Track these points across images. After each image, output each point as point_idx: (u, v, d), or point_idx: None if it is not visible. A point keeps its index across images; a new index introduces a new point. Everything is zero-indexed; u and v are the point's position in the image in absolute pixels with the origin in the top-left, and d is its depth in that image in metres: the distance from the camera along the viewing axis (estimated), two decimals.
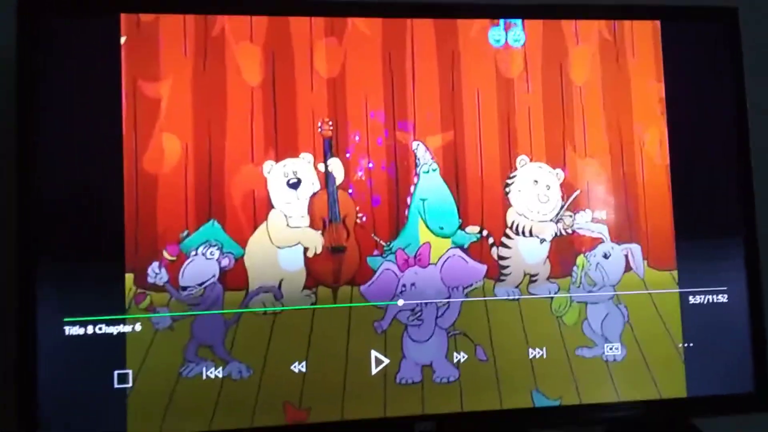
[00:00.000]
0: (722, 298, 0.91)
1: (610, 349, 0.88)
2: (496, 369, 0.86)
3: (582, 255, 0.89)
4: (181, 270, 0.81)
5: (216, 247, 0.81)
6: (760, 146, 0.95)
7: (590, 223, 0.90)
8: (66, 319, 0.78)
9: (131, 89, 0.82)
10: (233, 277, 0.82)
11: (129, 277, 0.80)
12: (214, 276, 0.81)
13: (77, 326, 0.78)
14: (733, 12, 0.95)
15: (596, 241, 0.90)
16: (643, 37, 0.93)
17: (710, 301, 0.91)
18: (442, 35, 0.89)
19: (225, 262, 0.81)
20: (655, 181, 0.91)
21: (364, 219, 0.85)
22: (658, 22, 0.93)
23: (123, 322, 0.79)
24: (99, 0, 0.84)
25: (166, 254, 0.81)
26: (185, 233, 0.81)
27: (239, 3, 0.86)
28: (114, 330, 0.79)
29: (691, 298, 0.90)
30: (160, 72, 0.83)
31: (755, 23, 0.99)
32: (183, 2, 0.85)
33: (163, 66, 0.83)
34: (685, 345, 0.90)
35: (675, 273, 0.91)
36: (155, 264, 0.80)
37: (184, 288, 0.81)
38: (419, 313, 0.85)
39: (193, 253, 0.81)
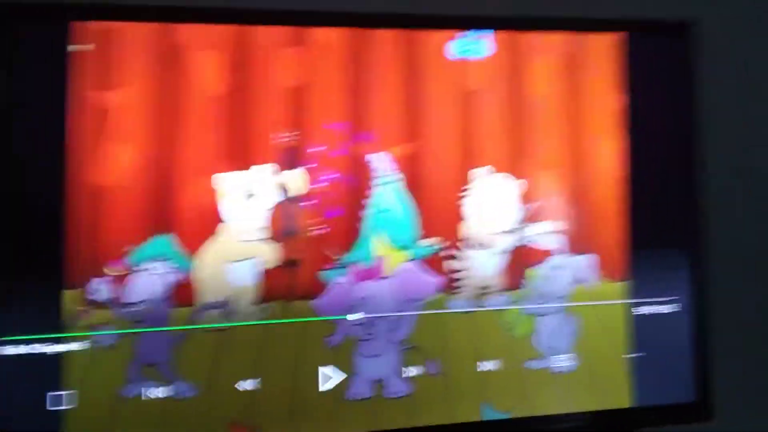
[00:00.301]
0: (670, 309, 0.93)
1: (560, 360, 0.89)
2: (447, 383, 0.86)
3: (533, 267, 0.90)
4: (126, 285, 0.78)
5: (163, 262, 0.78)
6: (714, 158, 0.97)
7: (544, 234, 0.90)
8: None
9: (80, 98, 0.78)
10: (181, 292, 0.79)
11: (70, 294, 0.76)
12: (160, 292, 0.78)
13: (11, 345, 0.75)
14: (687, 26, 0.96)
15: (548, 253, 0.90)
16: (602, 50, 0.93)
17: (658, 311, 0.92)
18: (404, 46, 0.87)
19: (172, 277, 0.78)
20: (609, 193, 0.92)
21: (320, 232, 0.83)
22: (617, 36, 0.94)
23: (61, 340, 0.76)
24: (49, 7, 0.79)
25: (109, 269, 0.77)
26: (131, 247, 0.78)
27: (200, 11, 0.82)
28: (51, 349, 0.76)
29: (640, 308, 0.92)
30: (111, 81, 0.79)
31: (711, 36, 1.00)
32: (139, 10, 0.81)
33: (114, 75, 0.79)
34: (633, 355, 0.91)
35: (625, 284, 0.92)
36: (97, 280, 0.77)
37: (129, 304, 0.77)
38: (372, 328, 0.84)
39: (139, 267, 0.78)
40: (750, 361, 1.01)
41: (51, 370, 0.76)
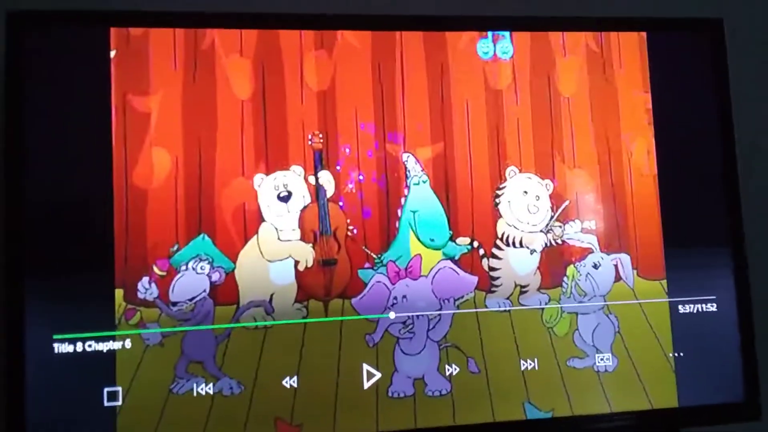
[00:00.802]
0: (711, 308, 0.91)
1: (602, 359, 0.88)
2: (488, 381, 0.85)
3: (572, 265, 0.89)
4: (172, 285, 0.80)
5: (206, 262, 0.81)
6: (747, 155, 0.96)
7: (580, 233, 0.90)
8: (55, 336, 0.77)
9: (121, 103, 0.82)
10: (224, 291, 0.81)
11: (119, 293, 0.79)
12: (204, 291, 0.80)
13: (66, 343, 0.77)
14: (718, 23, 0.96)
15: (586, 251, 0.90)
16: (629, 49, 0.94)
17: (699, 310, 0.91)
18: (430, 47, 0.89)
19: (215, 276, 0.81)
20: (643, 191, 0.92)
21: (354, 231, 0.84)
22: (644, 34, 0.94)
23: (113, 338, 0.78)
24: (88, 14, 0.83)
25: (156, 269, 0.80)
26: (175, 248, 0.80)
27: (229, 17, 0.85)
28: (104, 347, 0.78)
29: (680, 307, 0.91)
30: (149, 86, 0.82)
31: (740, 33, 1.01)
32: (172, 16, 0.84)
33: (152, 80, 0.82)
34: (676, 355, 0.90)
35: (664, 282, 0.91)
36: (145, 279, 0.79)
37: (175, 303, 0.80)
38: (411, 326, 0.85)
39: (184, 267, 0.80)
40: None
41: (105, 367, 0.78)
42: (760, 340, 0.92)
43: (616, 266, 0.91)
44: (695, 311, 0.91)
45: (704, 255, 0.92)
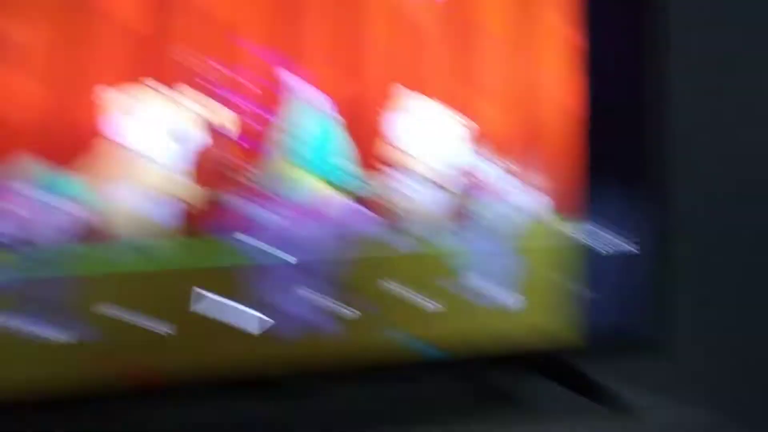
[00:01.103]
0: (627, 246, 0.91)
1: (507, 297, 0.87)
2: (383, 320, 0.83)
3: (484, 202, 0.87)
4: (25, 221, 0.71)
5: (66, 196, 0.72)
6: (675, 93, 0.93)
7: (495, 169, 0.88)
8: None
9: None
10: (88, 228, 0.73)
11: None
12: (64, 228, 0.72)
13: None
14: None
15: (500, 188, 0.88)
16: None
17: (615, 248, 0.91)
18: None
19: (77, 211, 0.72)
20: (566, 128, 0.90)
21: (244, 165, 0.79)
22: None
23: None
24: None
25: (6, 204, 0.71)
26: (30, 178, 0.71)
27: None
28: None
29: (596, 245, 0.90)
30: None
31: None
32: None
33: None
34: (585, 292, 0.90)
35: (582, 221, 0.90)
36: None
37: (28, 242, 0.71)
38: (302, 265, 0.80)
39: (37, 200, 0.71)
40: (706, 298, 1.02)
41: None
42: (672, 277, 0.93)
43: (532, 204, 0.89)
44: (611, 250, 0.91)
45: (624, 195, 0.91)
